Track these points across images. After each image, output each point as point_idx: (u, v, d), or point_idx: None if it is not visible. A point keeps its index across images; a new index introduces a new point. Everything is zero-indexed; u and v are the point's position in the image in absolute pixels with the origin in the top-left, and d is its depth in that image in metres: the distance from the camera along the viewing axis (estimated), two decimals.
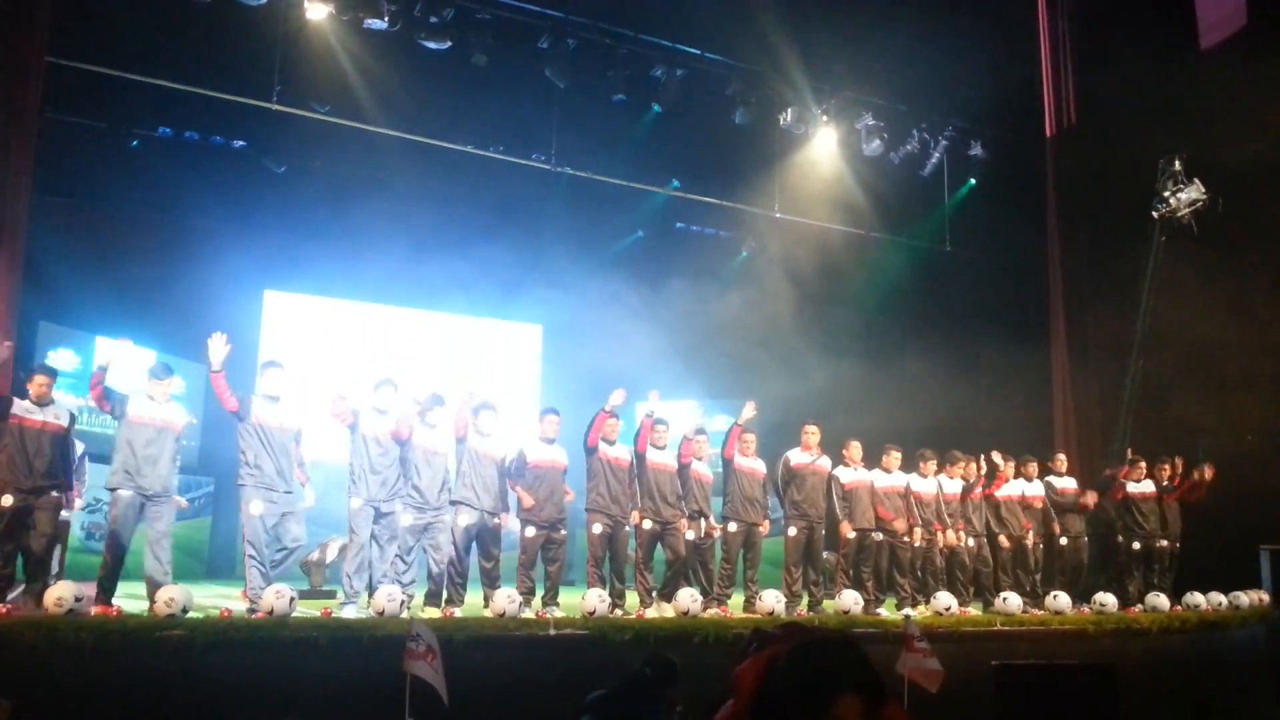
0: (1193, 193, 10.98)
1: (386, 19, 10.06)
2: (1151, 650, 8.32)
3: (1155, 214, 11.20)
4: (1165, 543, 10.18)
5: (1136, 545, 10.11)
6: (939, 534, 9.29)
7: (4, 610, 6.21)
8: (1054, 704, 4.80)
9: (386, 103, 10.75)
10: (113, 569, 6.72)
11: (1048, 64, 12.83)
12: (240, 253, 12.37)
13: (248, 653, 5.86)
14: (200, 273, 12.16)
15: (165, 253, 12.20)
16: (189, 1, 9.34)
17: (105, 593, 6.63)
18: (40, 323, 10.26)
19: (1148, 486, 10.26)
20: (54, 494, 6.82)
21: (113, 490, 6.78)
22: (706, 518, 8.58)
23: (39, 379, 6.88)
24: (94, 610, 6.32)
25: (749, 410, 8.65)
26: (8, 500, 6.60)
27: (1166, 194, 11.13)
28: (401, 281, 13.77)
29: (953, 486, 9.52)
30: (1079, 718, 4.69)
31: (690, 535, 8.43)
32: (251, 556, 6.90)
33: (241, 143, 12.13)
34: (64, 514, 7.32)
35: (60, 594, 6.05)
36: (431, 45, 10.42)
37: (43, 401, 6.84)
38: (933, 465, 9.42)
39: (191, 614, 6.19)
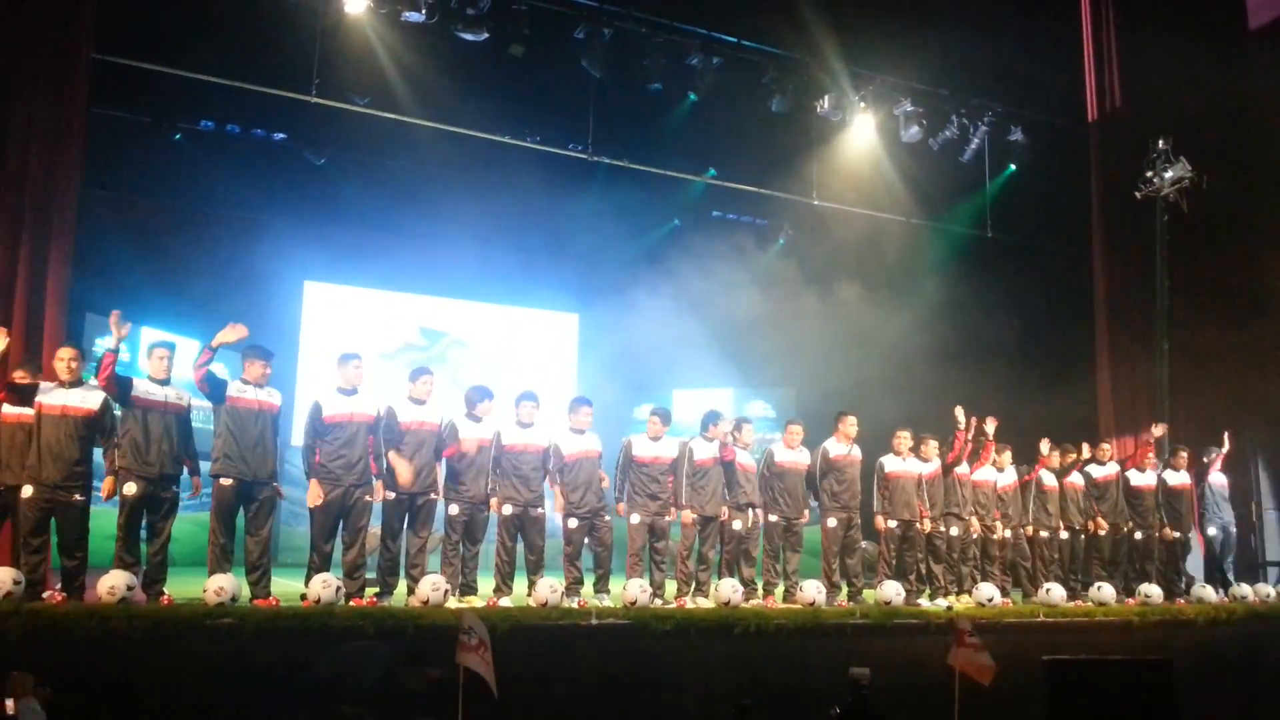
0: (1179, 170, 10.94)
1: (424, 11, 10.10)
2: (1201, 643, 8.23)
3: (1137, 194, 11.24)
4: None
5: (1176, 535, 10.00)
6: (975, 524, 9.24)
7: (58, 599, 6.34)
8: (1108, 700, 4.75)
9: (424, 94, 10.79)
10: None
11: (1090, 46, 12.62)
12: (281, 244, 12.51)
13: (297, 641, 5.96)
14: (242, 263, 12.34)
15: (207, 244, 12.38)
16: None
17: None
18: (87, 313, 10.43)
19: (1184, 477, 10.16)
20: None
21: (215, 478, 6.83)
22: (755, 509, 8.58)
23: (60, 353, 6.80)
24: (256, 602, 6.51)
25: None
26: (131, 489, 6.60)
27: (1150, 174, 11.12)
28: (439, 271, 13.89)
29: (990, 475, 9.46)
30: (1134, 715, 4.63)
31: (738, 526, 8.44)
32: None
33: (282, 135, 12.26)
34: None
35: (113, 582, 6.16)
36: (468, 37, 10.44)
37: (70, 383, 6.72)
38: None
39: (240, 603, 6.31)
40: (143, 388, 6.80)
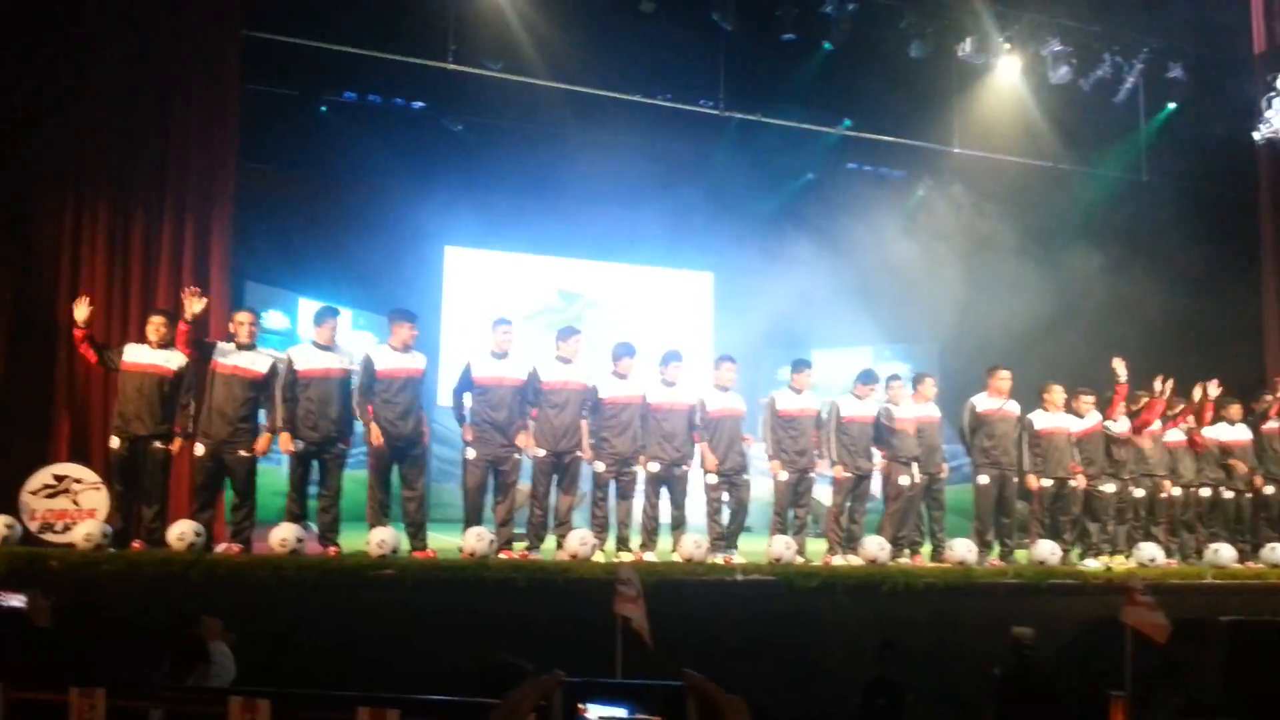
0: None
1: None
2: None
3: (1256, 135, 10.58)
4: None
5: None
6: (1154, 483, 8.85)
7: (236, 550, 6.73)
8: None
9: (556, 57, 10.82)
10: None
11: None
12: (421, 210, 12.84)
13: (454, 591, 6.18)
14: (385, 230, 12.74)
15: (352, 212, 12.81)
16: None
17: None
18: (247, 282, 10.95)
19: None
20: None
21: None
22: (918, 461, 8.42)
23: (239, 317, 7.17)
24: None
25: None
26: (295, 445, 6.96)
27: (1269, 112, 10.43)
28: (574, 233, 14.01)
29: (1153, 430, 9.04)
30: None
31: (904, 481, 8.31)
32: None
33: (421, 104, 12.50)
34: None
35: (284, 535, 6.52)
36: None
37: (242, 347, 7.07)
38: (1122, 408, 8.93)
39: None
40: (306, 357, 7.09)
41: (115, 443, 6.90)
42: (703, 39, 11.32)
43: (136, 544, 6.72)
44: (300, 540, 6.52)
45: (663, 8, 10.70)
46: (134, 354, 7.00)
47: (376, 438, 6.99)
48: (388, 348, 7.28)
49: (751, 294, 13.71)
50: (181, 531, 6.43)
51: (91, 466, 7.25)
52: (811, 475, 8.25)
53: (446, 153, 12.82)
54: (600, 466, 7.64)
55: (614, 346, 7.90)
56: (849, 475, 8.19)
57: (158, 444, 6.94)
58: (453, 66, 10.36)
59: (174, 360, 7.04)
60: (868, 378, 8.45)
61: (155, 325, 7.03)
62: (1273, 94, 10.55)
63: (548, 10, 10.58)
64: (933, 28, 11.62)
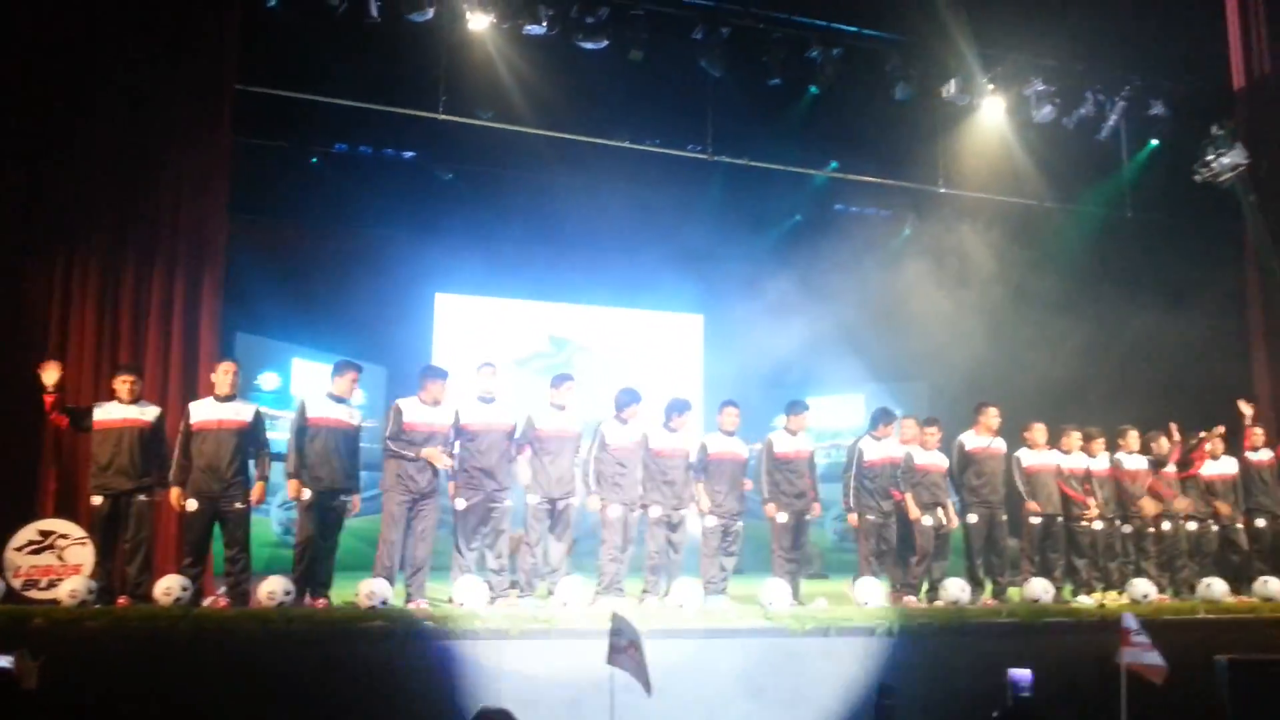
0: (1236, 156, 10.56)
1: (544, 23, 10.25)
2: None
3: (1197, 177, 10.86)
4: None
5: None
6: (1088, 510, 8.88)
7: (222, 604, 6.69)
8: None
9: (545, 106, 10.95)
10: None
11: (1235, 8, 11.89)
12: (412, 258, 12.93)
13: (442, 642, 6.13)
14: (376, 279, 12.81)
15: (344, 262, 12.86)
16: (360, 24, 9.75)
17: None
18: (237, 333, 10.97)
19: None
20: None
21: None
22: (944, 507, 8.44)
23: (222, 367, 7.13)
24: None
25: None
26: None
27: (1209, 158, 10.71)
28: (564, 278, 14.08)
29: (1135, 464, 9.08)
30: None
31: (929, 522, 8.33)
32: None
33: (411, 153, 12.63)
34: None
35: (271, 588, 6.49)
36: (588, 46, 10.55)
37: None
38: (1101, 444, 9.00)
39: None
40: (319, 405, 7.11)
41: (97, 500, 6.88)
42: (690, 85, 11.46)
43: (122, 600, 6.68)
44: (288, 593, 6.49)
45: (651, 56, 10.84)
46: (106, 412, 6.99)
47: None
48: (418, 400, 7.36)
49: (741, 335, 13.77)
50: (168, 586, 6.40)
51: (78, 522, 7.22)
52: (809, 517, 8.25)
53: (437, 201, 12.93)
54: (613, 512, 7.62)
55: (618, 394, 7.94)
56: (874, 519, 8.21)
57: (141, 497, 6.92)
58: (443, 116, 10.48)
59: (149, 412, 7.07)
60: (886, 417, 8.46)
61: (124, 382, 7.03)
62: (1211, 138, 10.78)
63: (537, 59, 10.72)
64: (917, 70, 11.78)
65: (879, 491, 8.25)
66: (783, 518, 8.05)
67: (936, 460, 8.50)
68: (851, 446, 8.53)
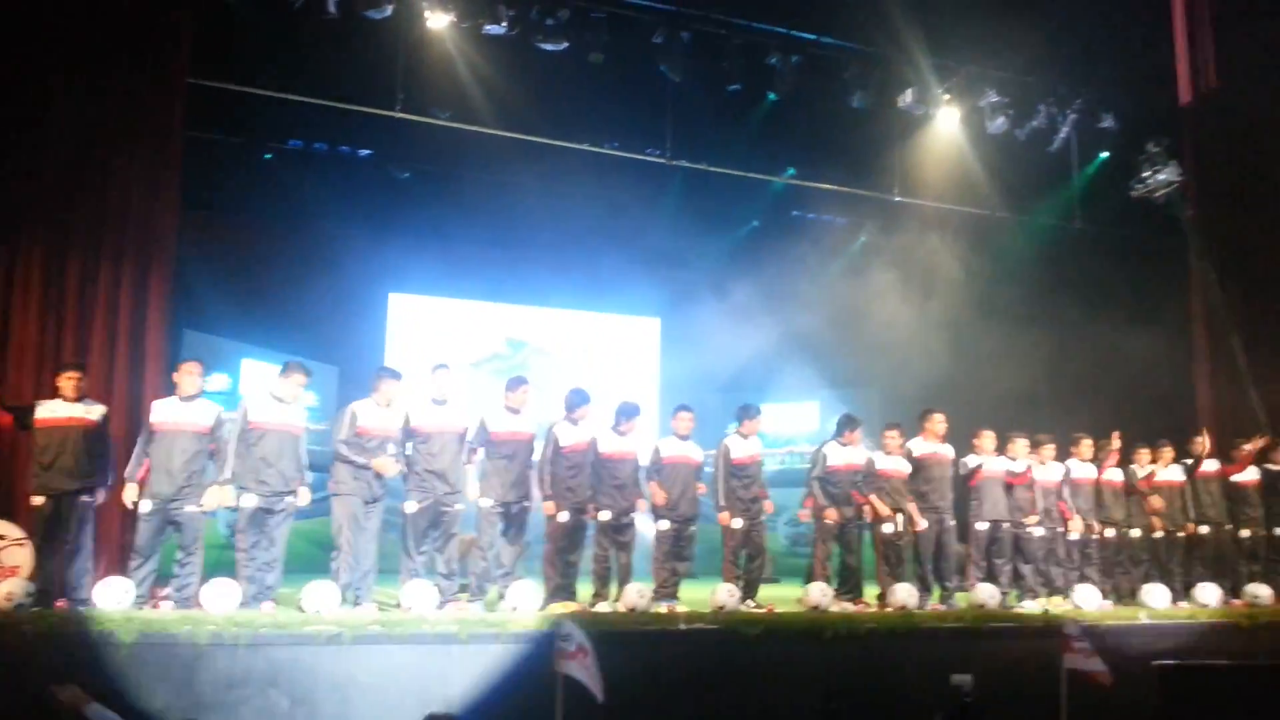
0: (1170, 174, 11.00)
1: (505, 24, 10.21)
2: None
3: (1133, 194, 11.33)
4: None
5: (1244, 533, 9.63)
6: (1068, 523, 9.04)
7: (168, 607, 6.58)
8: (1224, 708, 4.56)
9: (504, 106, 10.90)
10: None
11: (1183, 25, 12.14)
12: (366, 258, 12.83)
13: (393, 647, 6.08)
14: (329, 278, 12.69)
15: (295, 260, 12.72)
16: (317, 19, 9.64)
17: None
18: (185, 330, 10.79)
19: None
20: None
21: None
22: (905, 511, 8.51)
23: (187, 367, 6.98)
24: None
25: None
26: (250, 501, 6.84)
27: (1146, 174, 11.14)
28: (521, 280, 14.05)
29: (1090, 474, 9.25)
30: None
31: (889, 529, 8.42)
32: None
33: (367, 152, 12.51)
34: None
35: (218, 592, 6.38)
36: (548, 47, 10.51)
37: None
38: (1051, 450, 9.17)
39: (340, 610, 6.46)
40: (262, 408, 7.00)
41: (38, 500, 6.71)
42: (650, 89, 11.48)
43: (60, 603, 6.54)
44: (235, 597, 6.39)
45: (611, 59, 10.83)
46: (50, 410, 6.81)
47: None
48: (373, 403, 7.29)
49: (697, 340, 13.81)
50: (110, 589, 6.27)
51: (17, 522, 7.06)
52: (763, 517, 8.30)
53: (393, 200, 12.84)
54: (564, 516, 7.61)
55: (568, 394, 7.91)
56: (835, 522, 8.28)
57: (84, 498, 6.78)
58: (400, 115, 10.39)
59: (94, 411, 6.91)
60: (851, 424, 8.52)
61: (69, 379, 6.85)
62: (1147, 155, 11.20)
63: (496, 60, 10.67)
64: (874, 79, 11.89)
65: (841, 496, 8.31)
66: (738, 523, 8.09)
67: (899, 465, 8.57)
68: (816, 451, 8.58)
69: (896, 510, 8.45)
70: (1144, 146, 11.37)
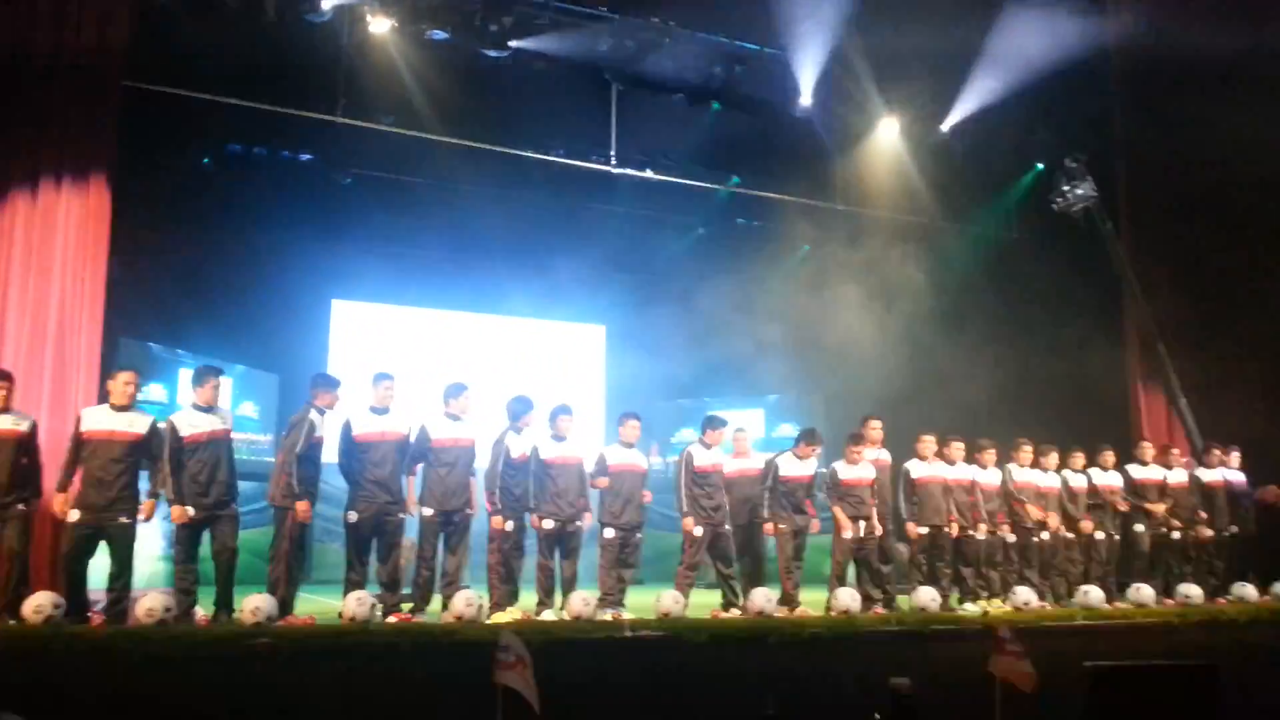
0: (1087, 189, 11.39)
1: (448, 29, 10.17)
2: (1245, 644, 8.08)
3: (1054, 207, 11.71)
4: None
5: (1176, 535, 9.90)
6: (1003, 526, 9.21)
7: (98, 621, 6.41)
8: (1150, 709, 4.66)
9: (448, 111, 10.84)
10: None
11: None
12: (308, 264, 12.68)
13: (333, 659, 5.98)
14: (270, 284, 12.49)
15: (236, 266, 12.45)
16: (256, 21, 9.50)
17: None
18: (120, 339, 10.53)
19: (1217, 475, 10.13)
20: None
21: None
22: (868, 520, 8.58)
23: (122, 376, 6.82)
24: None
25: None
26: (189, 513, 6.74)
27: (1065, 188, 11.54)
28: (465, 287, 13.98)
29: (1030, 478, 9.43)
30: None
31: (848, 535, 8.51)
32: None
33: (309, 156, 12.34)
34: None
35: (150, 605, 6.24)
36: (492, 53, 10.49)
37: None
38: (992, 455, 9.31)
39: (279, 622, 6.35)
40: (190, 420, 6.86)
41: None
42: (595, 97, 11.50)
43: None
44: (168, 610, 6.25)
45: (555, 66, 10.83)
46: None
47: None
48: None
49: (642, 347, 13.84)
50: (39, 604, 6.09)
51: None
52: (725, 529, 8.34)
53: (335, 206, 12.67)
54: (509, 525, 7.57)
55: (510, 403, 7.88)
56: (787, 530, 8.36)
57: (20, 507, 6.60)
58: (342, 120, 10.29)
59: (24, 423, 6.73)
60: (810, 438, 8.60)
61: None
62: (1065, 171, 11.55)
63: (440, 65, 10.61)
64: (817, 90, 12.01)
65: (794, 506, 8.40)
66: (699, 531, 8.13)
67: (862, 474, 8.65)
68: (769, 461, 8.66)
69: (859, 517, 8.53)
70: (1073, 159, 11.64)
